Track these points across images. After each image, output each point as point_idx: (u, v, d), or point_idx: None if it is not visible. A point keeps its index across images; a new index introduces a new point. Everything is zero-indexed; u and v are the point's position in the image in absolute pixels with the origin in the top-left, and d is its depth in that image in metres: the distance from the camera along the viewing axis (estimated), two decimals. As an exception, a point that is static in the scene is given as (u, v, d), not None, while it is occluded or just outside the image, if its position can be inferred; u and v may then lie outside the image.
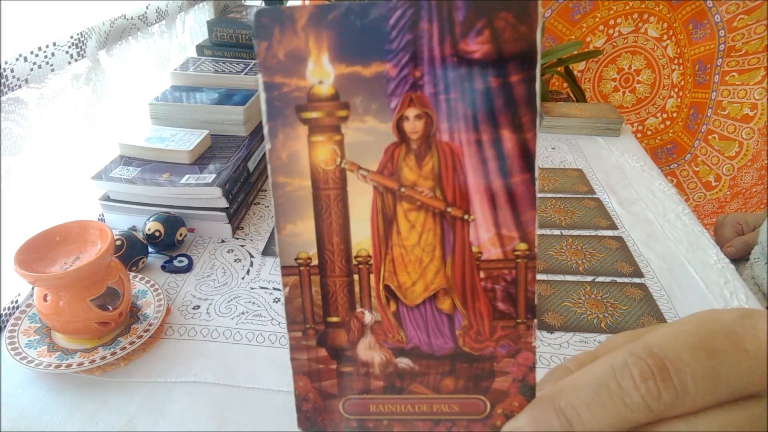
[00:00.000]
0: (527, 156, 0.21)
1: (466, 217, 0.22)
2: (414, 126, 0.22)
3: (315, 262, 0.23)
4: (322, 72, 0.21)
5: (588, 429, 0.20)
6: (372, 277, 0.23)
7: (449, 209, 0.22)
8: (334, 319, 0.24)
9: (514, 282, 0.23)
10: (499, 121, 0.21)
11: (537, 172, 0.22)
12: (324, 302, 0.24)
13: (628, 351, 0.20)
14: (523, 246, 0.22)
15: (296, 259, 0.23)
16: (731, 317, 0.20)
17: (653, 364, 0.19)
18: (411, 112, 0.21)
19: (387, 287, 0.24)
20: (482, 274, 0.23)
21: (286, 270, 0.23)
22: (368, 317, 0.24)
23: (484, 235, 0.23)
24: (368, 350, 0.24)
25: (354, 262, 0.23)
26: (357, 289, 0.24)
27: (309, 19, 0.20)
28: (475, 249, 0.23)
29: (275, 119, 0.21)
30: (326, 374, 0.25)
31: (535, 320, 0.23)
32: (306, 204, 0.22)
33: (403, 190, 0.22)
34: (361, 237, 0.23)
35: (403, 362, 0.24)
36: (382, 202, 0.22)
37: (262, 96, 0.21)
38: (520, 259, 0.23)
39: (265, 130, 0.22)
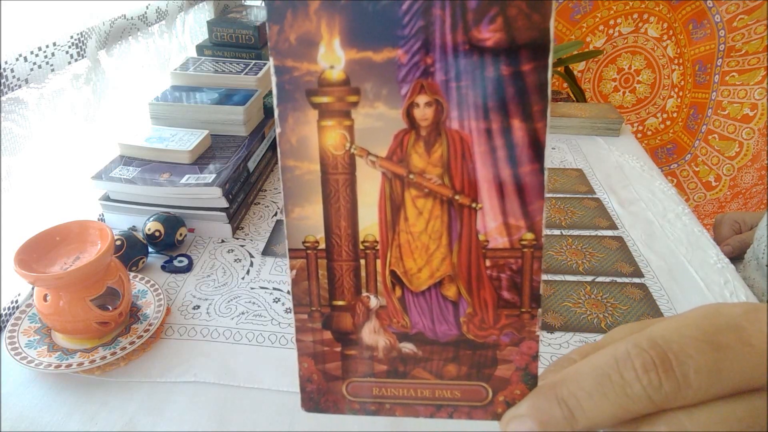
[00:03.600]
0: (537, 146, 0.21)
1: (473, 205, 0.22)
2: (424, 113, 0.21)
3: (322, 245, 0.23)
4: (333, 57, 0.21)
5: (589, 418, 0.20)
6: (378, 262, 0.24)
7: (457, 197, 0.22)
8: (340, 303, 0.24)
9: (520, 271, 0.23)
10: (509, 110, 0.21)
11: (547, 162, 0.22)
12: (330, 286, 0.24)
13: (631, 342, 0.20)
14: (530, 235, 0.23)
15: (304, 242, 0.23)
16: (737, 311, 0.20)
17: (656, 356, 0.19)
18: (421, 99, 0.21)
19: (393, 273, 0.24)
20: (488, 263, 0.23)
21: (293, 253, 0.24)
22: (373, 302, 0.24)
23: (491, 224, 0.23)
24: (373, 334, 0.24)
25: (361, 247, 0.23)
26: (363, 273, 0.24)
27: (321, 3, 0.20)
28: (481, 237, 0.23)
29: (285, 103, 0.21)
30: (330, 356, 0.25)
31: (540, 310, 0.23)
32: (314, 188, 0.23)
33: (411, 176, 0.22)
34: (369, 222, 0.23)
35: (407, 347, 0.24)
36: (391, 188, 0.23)
37: (273, 80, 0.21)
38: (526, 248, 0.23)
39: (276, 114, 0.22)
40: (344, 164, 0.22)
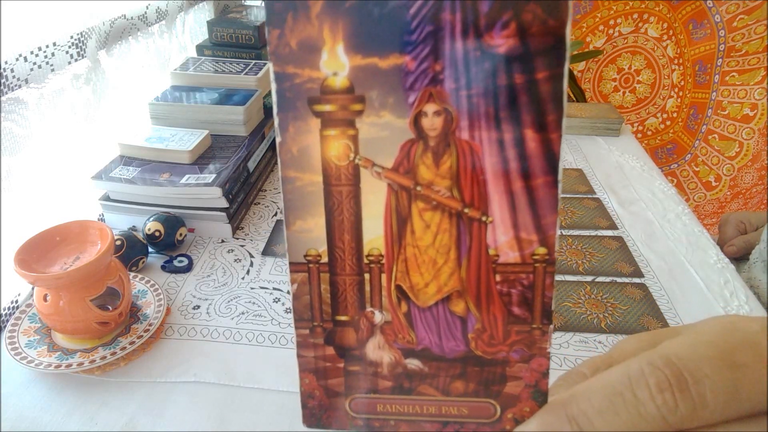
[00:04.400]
0: (551, 157, 0.20)
1: (483, 218, 0.22)
2: (432, 122, 0.21)
3: (324, 259, 0.23)
4: (336, 63, 0.20)
5: None
6: (383, 276, 0.23)
7: (466, 210, 0.22)
8: (343, 318, 0.23)
9: (531, 287, 0.22)
10: (522, 119, 0.20)
11: (561, 175, 0.21)
12: (333, 300, 0.23)
13: (645, 360, 0.19)
14: (542, 250, 0.22)
15: (305, 255, 0.22)
16: (755, 328, 0.20)
17: (671, 375, 0.19)
18: (430, 108, 0.20)
19: (399, 287, 0.23)
20: (498, 278, 0.22)
21: (294, 266, 0.23)
22: (378, 317, 0.23)
23: (501, 238, 0.22)
24: (377, 350, 0.24)
25: (365, 260, 0.23)
26: (368, 288, 0.23)
27: (324, 6, 0.19)
28: (491, 251, 0.22)
29: (286, 111, 0.20)
30: (333, 372, 0.24)
31: (551, 326, 0.23)
32: (317, 200, 0.22)
33: (418, 188, 0.21)
34: (374, 235, 0.22)
35: (413, 363, 0.24)
36: (397, 200, 0.22)
37: (273, 87, 0.20)
38: (538, 263, 0.22)
39: (276, 123, 0.21)
40: (348, 175, 0.21)
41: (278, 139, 0.21)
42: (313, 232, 0.22)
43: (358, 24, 0.19)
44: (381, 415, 0.24)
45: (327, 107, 0.20)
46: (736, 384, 0.18)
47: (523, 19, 0.19)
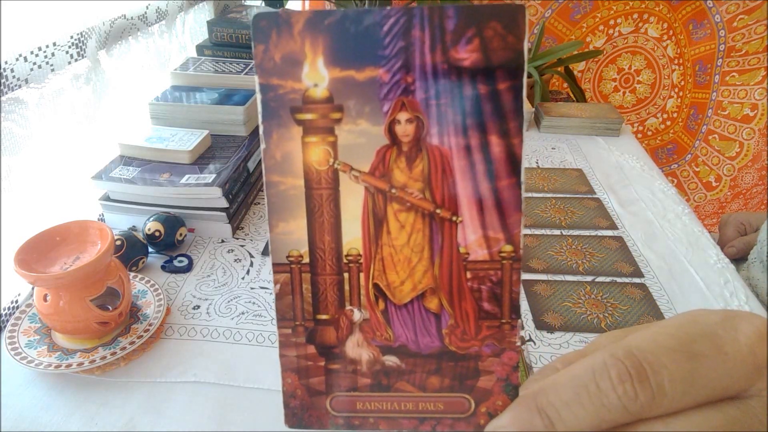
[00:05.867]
0: (514, 161, 0.22)
1: (454, 218, 0.23)
2: (405, 129, 0.22)
3: (306, 260, 0.24)
4: (317, 75, 0.22)
5: (569, 428, 0.20)
6: (362, 275, 0.24)
7: (438, 210, 0.23)
8: (324, 317, 0.25)
9: (500, 283, 0.24)
10: (487, 126, 0.22)
11: (523, 177, 0.22)
12: (314, 300, 0.24)
13: (607, 352, 0.20)
14: (508, 248, 0.23)
15: (288, 256, 0.24)
16: (713, 320, 0.21)
17: (631, 366, 0.20)
18: (402, 116, 0.22)
19: (376, 286, 0.24)
20: (469, 275, 0.24)
21: (277, 267, 0.24)
22: (357, 315, 0.24)
23: (471, 237, 0.23)
24: (356, 348, 0.25)
25: (344, 260, 0.24)
26: (347, 287, 0.24)
27: (306, 23, 0.21)
28: (462, 250, 0.23)
29: (270, 120, 0.22)
30: (314, 371, 0.25)
31: (520, 320, 0.24)
32: (298, 203, 0.23)
33: (393, 191, 0.23)
34: (352, 236, 0.24)
35: (391, 360, 0.25)
36: (373, 202, 0.23)
37: (258, 97, 0.22)
38: (505, 260, 0.23)
39: (261, 130, 0.22)
40: (328, 179, 0.23)
41: (263, 146, 0.22)
42: (294, 233, 0.23)
43: (336, 40, 0.21)
44: (361, 413, 0.25)
45: (308, 116, 0.22)
46: (693, 373, 0.19)
47: (485, 35, 0.21)
